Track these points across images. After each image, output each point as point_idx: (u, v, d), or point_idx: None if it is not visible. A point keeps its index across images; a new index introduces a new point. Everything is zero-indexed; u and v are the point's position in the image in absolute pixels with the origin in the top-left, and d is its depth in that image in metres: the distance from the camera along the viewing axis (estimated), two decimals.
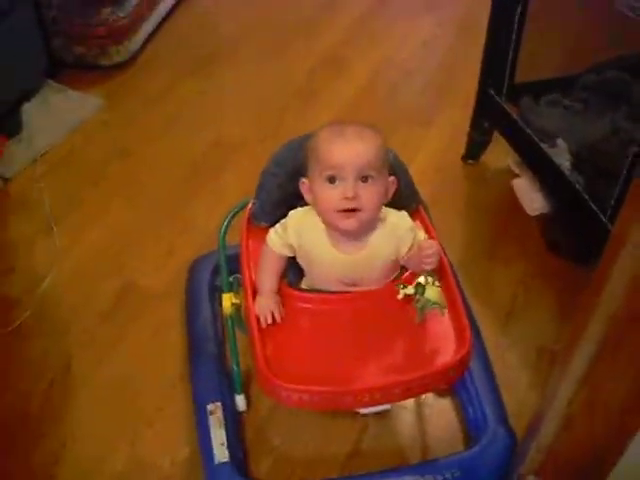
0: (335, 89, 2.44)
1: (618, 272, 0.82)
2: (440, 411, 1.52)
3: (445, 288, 1.22)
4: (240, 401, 1.49)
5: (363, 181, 1.14)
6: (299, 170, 1.27)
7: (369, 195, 1.14)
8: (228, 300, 1.41)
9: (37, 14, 2.30)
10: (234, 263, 1.41)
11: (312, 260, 1.24)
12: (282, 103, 2.38)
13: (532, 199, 1.92)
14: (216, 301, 1.66)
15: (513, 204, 1.95)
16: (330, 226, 1.19)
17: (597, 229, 1.57)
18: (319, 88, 2.45)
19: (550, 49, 1.87)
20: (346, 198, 1.13)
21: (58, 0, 2.34)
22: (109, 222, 1.95)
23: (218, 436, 1.39)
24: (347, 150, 1.13)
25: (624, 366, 0.88)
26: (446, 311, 1.19)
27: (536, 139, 1.79)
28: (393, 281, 1.25)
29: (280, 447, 1.46)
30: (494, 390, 1.48)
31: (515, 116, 1.87)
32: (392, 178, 1.21)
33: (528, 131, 1.82)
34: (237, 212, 1.44)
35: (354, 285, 1.23)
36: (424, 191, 1.40)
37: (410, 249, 1.20)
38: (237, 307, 1.42)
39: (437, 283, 1.17)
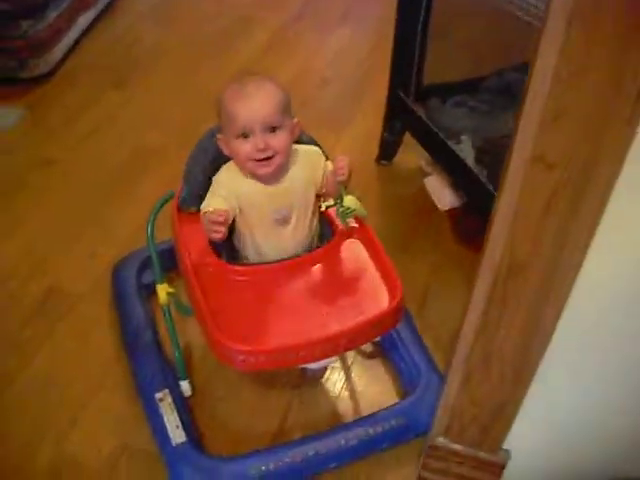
0: None
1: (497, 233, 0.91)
2: (370, 371, 1.63)
3: (371, 248, 1.36)
4: (185, 386, 1.52)
5: (271, 131, 1.26)
6: (220, 155, 1.36)
7: (278, 142, 1.27)
8: (163, 291, 1.47)
9: None
10: (161, 258, 1.48)
11: (245, 205, 1.32)
12: (202, 113, 2.42)
13: (443, 194, 2.03)
14: (144, 297, 1.70)
15: (426, 201, 2.04)
16: (250, 173, 1.31)
17: None
18: None
19: (457, 54, 1.99)
20: (258, 150, 1.26)
21: None
22: (31, 229, 1.96)
23: (172, 420, 1.42)
24: (251, 108, 1.25)
25: (510, 315, 0.97)
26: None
27: (442, 137, 1.89)
28: (321, 248, 1.35)
29: (230, 424, 1.51)
30: (423, 347, 1.60)
31: (423, 116, 1.98)
32: (295, 119, 1.32)
33: (435, 129, 1.92)
34: (164, 204, 1.48)
35: (285, 223, 1.33)
36: None
37: (323, 173, 1.34)
38: (173, 295, 1.47)
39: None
